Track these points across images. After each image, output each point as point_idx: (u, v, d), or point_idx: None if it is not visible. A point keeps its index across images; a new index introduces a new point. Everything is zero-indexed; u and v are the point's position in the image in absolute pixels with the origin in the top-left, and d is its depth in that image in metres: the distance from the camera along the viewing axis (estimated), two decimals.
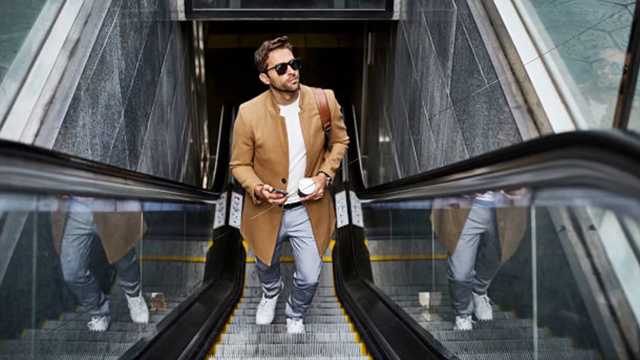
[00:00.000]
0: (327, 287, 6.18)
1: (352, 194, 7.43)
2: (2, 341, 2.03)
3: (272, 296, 4.50)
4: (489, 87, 3.34)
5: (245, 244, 6.41)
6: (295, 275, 4.01)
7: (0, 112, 2.75)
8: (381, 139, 8.06)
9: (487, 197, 2.61)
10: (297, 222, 3.82)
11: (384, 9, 6.68)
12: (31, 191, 1.66)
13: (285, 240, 4.04)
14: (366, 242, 6.74)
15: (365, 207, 6.98)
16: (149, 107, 5.03)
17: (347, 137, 3.79)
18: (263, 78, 3.48)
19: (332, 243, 6.62)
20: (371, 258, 6.43)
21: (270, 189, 3.56)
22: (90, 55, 3.35)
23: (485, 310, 3.04)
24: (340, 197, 7.46)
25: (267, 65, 3.42)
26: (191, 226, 5.87)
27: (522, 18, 3.40)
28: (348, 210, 7.16)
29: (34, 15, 3.26)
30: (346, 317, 4.81)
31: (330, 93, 3.63)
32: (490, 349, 2.80)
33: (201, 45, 9.60)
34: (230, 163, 3.74)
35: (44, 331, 2.36)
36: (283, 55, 3.39)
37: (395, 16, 6.66)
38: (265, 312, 4.53)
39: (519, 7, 3.47)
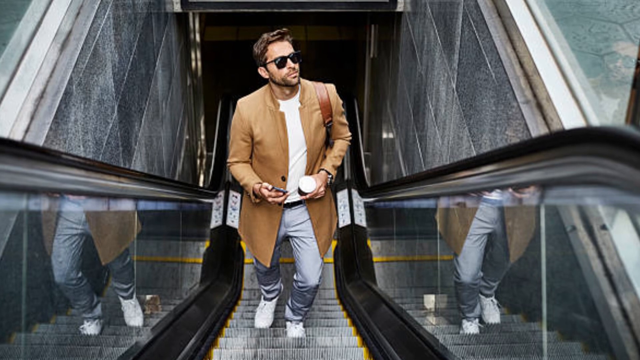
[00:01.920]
0: (329, 289, 6.18)
1: (355, 193, 7.40)
2: None
3: (271, 299, 4.48)
4: (496, 82, 3.27)
5: (243, 244, 6.38)
6: (295, 276, 3.98)
7: None
8: (384, 135, 8.05)
9: (495, 195, 2.57)
10: (298, 222, 3.78)
11: (388, 0, 6.62)
12: (21, 189, 1.65)
13: (285, 241, 4.03)
14: (369, 242, 6.72)
15: (368, 206, 6.98)
16: (143, 102, 5.01)
17: (349, 133, 3.77)
18: (262, 72, 3.45)
19: (334, 243, 6.60)
20: (374, 259, 6.42)
21: (270, 187, 3.52)
22: (82, 48, 3.34)
23: (492, 313, 3.06)
24: (342, 195, 7.43)
25: (266, 59, 3.39)
26: (187, 226, 5.90)
27: (530, 9, 3.41)
28: (350, 209, 7.13)
29: (24, 6, 3.25)
30: (348, 320, 4.80)
31: (331, 87, 3.59)
32: (498, 353, 2.86)
33: (197, 38, 9.55)
34: (228, 160, 3.71)
35: (34, 335, 2.38)
36: (283, 48, 3.36)
37: (400, 7, 6.61)
38: (264, 315, 4.50)
39: None
